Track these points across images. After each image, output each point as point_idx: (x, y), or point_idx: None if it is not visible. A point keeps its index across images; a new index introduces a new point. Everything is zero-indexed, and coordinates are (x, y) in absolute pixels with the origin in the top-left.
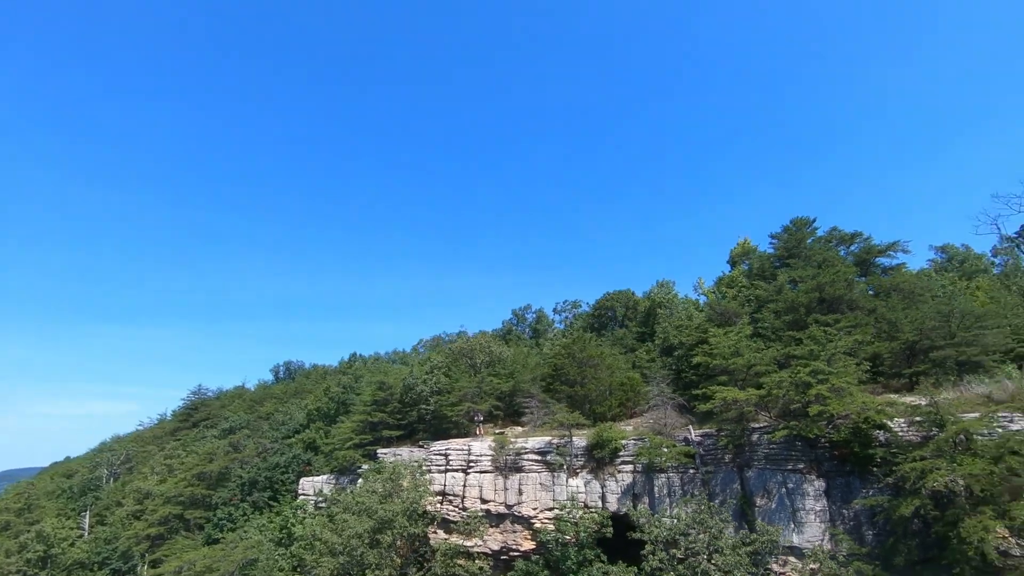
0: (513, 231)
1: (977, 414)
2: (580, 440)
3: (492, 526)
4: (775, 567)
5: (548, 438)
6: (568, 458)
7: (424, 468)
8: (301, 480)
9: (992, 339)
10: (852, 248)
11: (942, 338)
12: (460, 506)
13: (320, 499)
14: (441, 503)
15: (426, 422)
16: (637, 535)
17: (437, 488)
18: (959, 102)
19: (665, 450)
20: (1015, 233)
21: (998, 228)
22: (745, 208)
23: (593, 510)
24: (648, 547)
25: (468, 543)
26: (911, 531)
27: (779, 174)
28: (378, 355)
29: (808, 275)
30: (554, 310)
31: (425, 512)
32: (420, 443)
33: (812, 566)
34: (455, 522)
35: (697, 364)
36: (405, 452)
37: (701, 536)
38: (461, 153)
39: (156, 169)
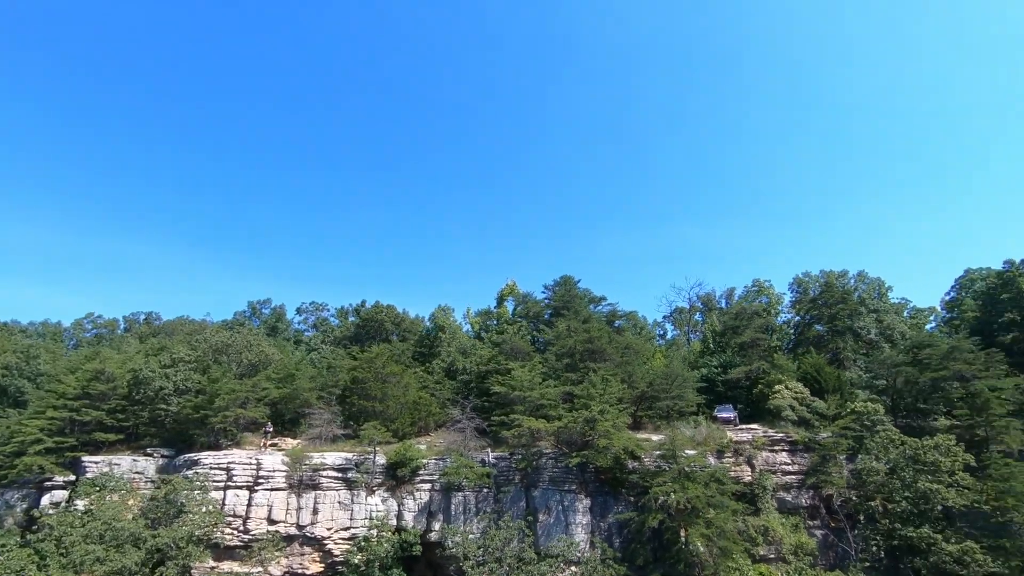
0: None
1: (694, 451)
2: (380, 457)
3: (277, 550)
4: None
5: (348, 454)
6: (368, 475)
7: (198, 484)
8: None
9: (690, 395)
10: (600, 308)
11: (663, 391)
12: (241, 528)
13: None
14: (215, 526)
15: (159, 425)
16: (447, 552)
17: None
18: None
19: (466, 470)
20: (670, 313)
21: (670, 309)
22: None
23: (388, 529)
24: (466, 563)
25: (244, 569)
26: (645, 539)
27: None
28: (21, 325)
29: (579, 327)
30: (298, 310)
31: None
32: (148, 451)
33: (577, 569)
34: (234, 547)
35: (492, 392)
36: (126, 461)
37: (506, 550)
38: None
39: None
